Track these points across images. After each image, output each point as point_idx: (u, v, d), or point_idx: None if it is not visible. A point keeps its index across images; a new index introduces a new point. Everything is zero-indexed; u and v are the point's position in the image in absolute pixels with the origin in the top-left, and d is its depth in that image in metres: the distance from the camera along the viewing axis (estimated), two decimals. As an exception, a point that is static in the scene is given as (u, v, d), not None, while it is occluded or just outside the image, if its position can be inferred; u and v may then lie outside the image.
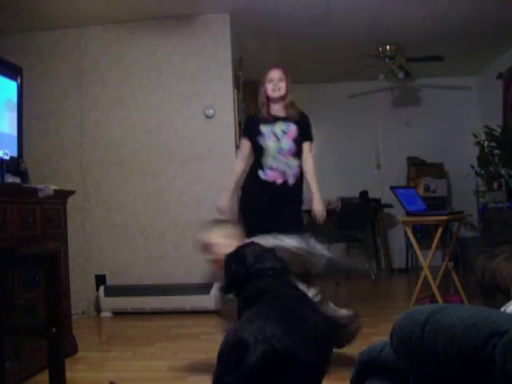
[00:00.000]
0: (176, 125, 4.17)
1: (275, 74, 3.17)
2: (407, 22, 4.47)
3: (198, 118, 4.15)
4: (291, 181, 3.06)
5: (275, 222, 2.85)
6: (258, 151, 3.09)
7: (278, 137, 3.07)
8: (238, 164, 3.26)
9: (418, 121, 6.30)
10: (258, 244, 1.80)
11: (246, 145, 3.17)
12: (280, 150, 3.04)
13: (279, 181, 3.04)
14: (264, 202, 3.05)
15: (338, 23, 4.45)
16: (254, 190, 3.14)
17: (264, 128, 3.07)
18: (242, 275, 1.65)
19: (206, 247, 2.43)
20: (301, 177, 3.15)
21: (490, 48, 5.22)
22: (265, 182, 3.04)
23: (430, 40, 4.86)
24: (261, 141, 3.06)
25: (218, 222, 2.55)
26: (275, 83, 3.13)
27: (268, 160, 3.04)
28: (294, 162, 3.08)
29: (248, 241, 1.97)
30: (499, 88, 5.42)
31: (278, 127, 3.08)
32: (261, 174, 3.06)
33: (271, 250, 1.76)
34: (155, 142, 4.17)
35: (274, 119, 3.11)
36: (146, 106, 4.20)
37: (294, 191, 3.12)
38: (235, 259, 1.72)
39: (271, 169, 3.04)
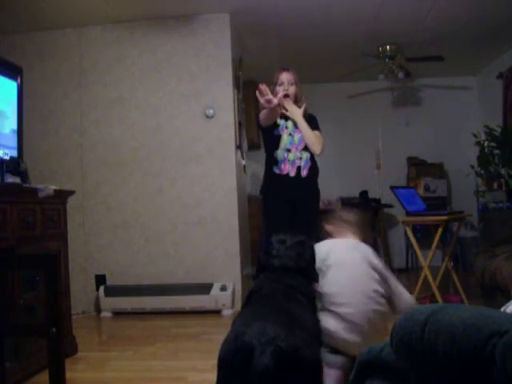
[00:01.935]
0: (176, 125, 4.17)
1: (286, 77, 3.20)
2: (407, 21, 4.47)
3: (198, 118, 4.15)
4: (304, 173, 3.14)
5: (291, 222, 2.97)
6: (272, 144, 3.18)
7: (290, 131, 3.16)
8: None
9: (417, 121, 6.30)
10: (290, 235, 1.75)
11: None
12: (292, 143, 3.14)
13: (292, 173, 3.11)
14: (280, 203, 3.12)
15: (338, 23, 4.45)
16: (270, 189, 3.21)
17: (279, 121, 3.16)
18: (264, 265, 1.62)
19: None
20: (315, 170, 3.21)
21: (490, 48, 5.22)
22: (279, 176, 3.11)
23: (430, 40, 4.87)
24: (276, 132, 3.14)
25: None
26: (286, 87, 3.17)
27: (281, 152, 3.13)
28: (306, 155, 3.15)
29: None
30: (499, 88, 5.42)
31: (291, 124, 3.17)
32: (275, 169, 3.15)
33: (298, 244, 1.70)
34: (155, 142, 4.17)
35: (286, 117, 3.20)
36: (145, 105, 4.20)
37: (307, 185, 3.18)
38: (263, 248, 1.67)
39: (284, 161, 3.12)
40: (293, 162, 3.14)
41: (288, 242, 1.68)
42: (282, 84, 3.19)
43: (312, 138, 3.16)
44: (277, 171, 3.14)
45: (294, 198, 3.14)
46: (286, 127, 3.19)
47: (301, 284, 1.58)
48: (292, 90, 3.19)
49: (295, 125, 3.19)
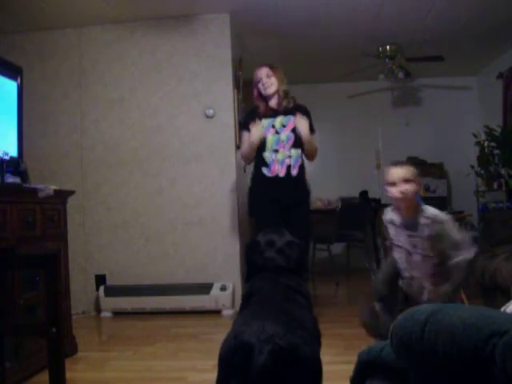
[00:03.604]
0: (176, 125, 4.17)
1: (261, 72, 3.23)
2: (407, 21, 4.47)
3: (198, 118, 4.15)
4: (295, 172, 3.12)
5: (285, 223, 2.93)
6: (259, 146, 3.13)
7: (276, 129, 3.14)
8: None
9: (417, 121, 6.30)
10: (280, 234, 1.74)
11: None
12: (278, 142, 3.11)
13: (282, 174, 3.09)
14: (269, 205, 3.08)
15: (338, 23, 4.45)
16: (258, 191, 3.17)
17: (264, 122, 3.14)
18: (259, 265, 1.62)
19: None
20: (303, 168, 3.22)
21: (490, 48, 5.22)
22: (269, 179, 3.09)
23: (430, 40, 4.87)
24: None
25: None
26: (264, 81, 3.19)
27: (269, 154, 3.10)
28: (297, 153, 3.14)
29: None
30: (499, 88, 5.42)
31: (279, 121, 3.15)
32: (265, 170, 3.12)
33: (288, 244, 1.71)
34: (155, 142, 4.17)
35: (275, 113, 3.17)
36: (145, 105, 4.19)
37: (298, 184, 3.16)
38: (254, 248, 1.67)
39: (273, 163, 3.09)
40: (282, 162, 3.11)
41: (278, 243, 1.68)
42: (259, 80, 3.21)
43: (313, 151, 3.22)
44: (266, 172, 3.11)
45: (285, 199, 3.11)
46: (273, 126, 3.15)
47: (299, 284, 1.59)
48: (273, 80, 3.20)
49: (284, 123, 3.16)
